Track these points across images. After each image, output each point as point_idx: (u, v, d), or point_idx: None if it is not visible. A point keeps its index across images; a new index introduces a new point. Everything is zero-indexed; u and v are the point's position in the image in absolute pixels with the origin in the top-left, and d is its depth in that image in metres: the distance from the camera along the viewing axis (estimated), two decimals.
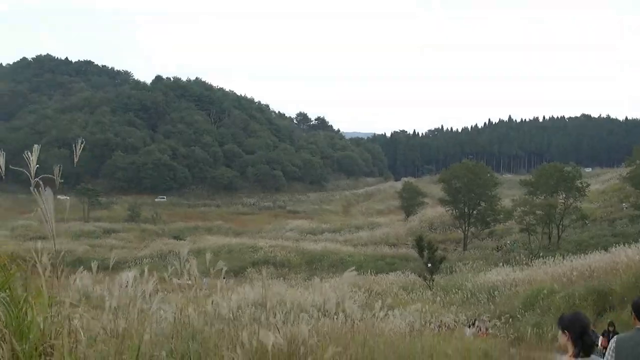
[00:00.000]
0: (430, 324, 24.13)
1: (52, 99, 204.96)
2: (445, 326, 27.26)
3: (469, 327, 30.45)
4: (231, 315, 15.88)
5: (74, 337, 5.17)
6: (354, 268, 6.42)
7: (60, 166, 5.33)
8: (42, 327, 4.97)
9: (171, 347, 7.71)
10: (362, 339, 12.33)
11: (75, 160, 5.45)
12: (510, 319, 34.41)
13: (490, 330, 30.98)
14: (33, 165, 4.96)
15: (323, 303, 12.24)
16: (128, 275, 7.99)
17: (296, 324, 11.33)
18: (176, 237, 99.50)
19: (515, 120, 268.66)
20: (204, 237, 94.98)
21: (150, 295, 8.26)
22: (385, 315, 19.30)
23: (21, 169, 5.11)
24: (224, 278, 10.11)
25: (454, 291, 47.43)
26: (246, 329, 7.88)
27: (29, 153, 5.02)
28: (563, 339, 5.69)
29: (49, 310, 5.09)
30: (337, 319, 14.38)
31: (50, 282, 5.32)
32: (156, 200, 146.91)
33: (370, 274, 59.25)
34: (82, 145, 5.45)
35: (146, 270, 8.72)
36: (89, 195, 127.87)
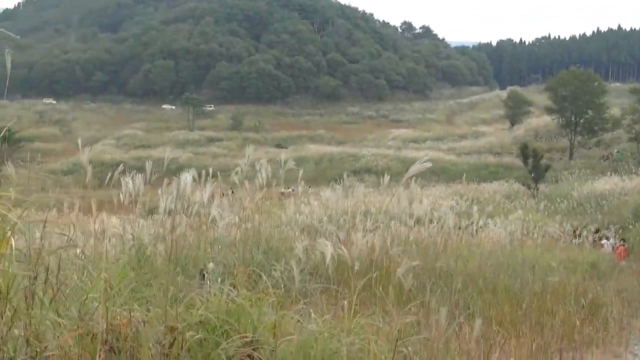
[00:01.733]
0: (533, 234, 23.08)
1: (158, 10, 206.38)
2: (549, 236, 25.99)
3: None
4: (314, 222, 15.14)
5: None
6: (427, 158, 5.34)
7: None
8: None
9: (223, 259, 6.91)
10: (455, 249, 11.41)
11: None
12: (620, 230, 33.12)
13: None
14: None
15: (410, 210, 11.28)
16: (187, 176, 6.96)
17: (376, 233, 10.47)
18: (278, 146, 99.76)
19: (625, 29, 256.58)
20: (305, 146, 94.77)
21: (211, 199, 7.46)
22: (485, 223, 18.32)
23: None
24: (308, 186, 9.19)
25: (559, 200, 46.03)
26: (305, 239, 7.02)
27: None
28: None
29: None
30: (430, 227, 13.45)
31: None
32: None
33: (473, 182, 58.04)
34: None
35: (211, 170, 7.92)
36: (193, 104, 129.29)
